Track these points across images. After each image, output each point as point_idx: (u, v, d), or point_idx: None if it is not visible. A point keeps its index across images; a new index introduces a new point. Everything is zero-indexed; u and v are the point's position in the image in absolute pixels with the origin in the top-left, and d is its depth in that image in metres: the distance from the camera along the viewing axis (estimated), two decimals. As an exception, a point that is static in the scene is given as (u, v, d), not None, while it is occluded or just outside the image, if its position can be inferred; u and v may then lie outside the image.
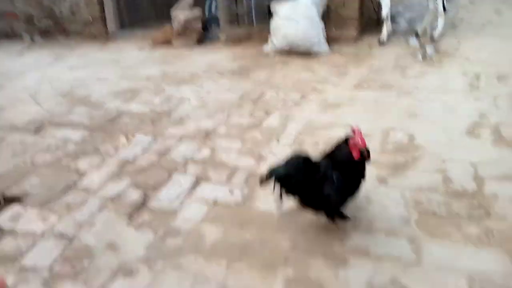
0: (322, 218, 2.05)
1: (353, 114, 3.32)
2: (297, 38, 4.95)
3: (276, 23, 5.12)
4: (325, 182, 1.86)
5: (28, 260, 1.97)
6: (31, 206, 2.38)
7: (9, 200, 2.51)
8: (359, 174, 1.98)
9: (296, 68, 4.58)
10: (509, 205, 2.13)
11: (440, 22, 5.15)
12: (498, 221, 2.02)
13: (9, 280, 1.86)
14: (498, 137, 2.81)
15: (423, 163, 2.57)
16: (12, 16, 7.07)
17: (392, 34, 5.49)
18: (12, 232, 2.19)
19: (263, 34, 5.59)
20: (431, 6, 5.22)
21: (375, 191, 2.33)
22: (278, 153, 2.79)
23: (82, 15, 6.68)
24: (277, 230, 2.07)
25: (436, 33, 5.16)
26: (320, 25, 5.08)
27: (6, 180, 2.67)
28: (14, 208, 2.38)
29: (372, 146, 2.78)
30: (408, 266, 1.79)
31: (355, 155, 1.90)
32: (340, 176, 1.87)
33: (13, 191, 2.55)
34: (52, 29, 6.92)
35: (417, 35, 5.34)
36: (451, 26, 5.70)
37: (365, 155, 1.93)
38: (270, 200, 2.31)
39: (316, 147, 2.83)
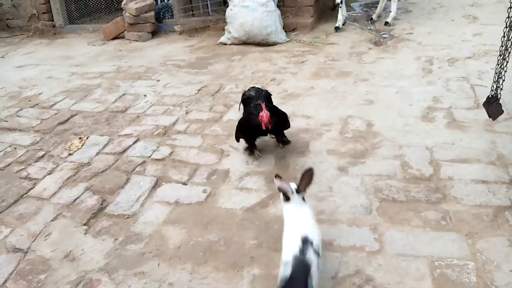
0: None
1: (312, 104, 3.34)
2: (254, 27, 4.90)
3: (231, 11, 5.04)
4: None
5: (-23, 280, 1.84)
6: (-22, 220, 2.23)
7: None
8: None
9: (254, 59, 4.54)
10: (464, 187, 2.21)
11: (394, 7, 5.26)
12: (454, 204, 2.10)
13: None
14: (452, 120, 2.91)
15: (382, 150, 2.62)
16: None
17: (348, 20, 5.55)
18: (-42, 250, 2.04)
19: (220, 24, 5.50)
20: None
21: (336, 181, 2.35)
22: (240, 148, 2.76)
23: (26, 8, 6.30)
24: (241, 228, 2.04)
25: (390, 18, 5.27)
26: (276, 12, 5.04)
27: None
28: None
29: (332, 135, 2.83)
30: (372, 256, 1.82)
31: (263, 125, 2.37)
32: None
33: (-43, 204, 2.37)
34: (-7, 24, 6.48)
35: (371, 20, 5.44)
36: (404, 11, 5.83)
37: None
38: (233, 197, 2.29)
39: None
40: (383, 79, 3.73)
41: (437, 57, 4.10)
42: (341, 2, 5.17)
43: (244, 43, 5.01)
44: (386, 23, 5.25)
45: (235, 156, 2.69)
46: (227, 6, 5.13)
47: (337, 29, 5.22)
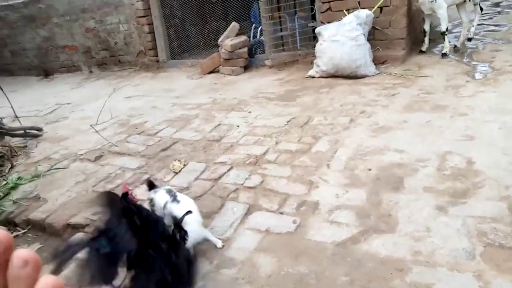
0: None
1: (405, 138, 3.24)
2: (342, 61, 4.94)
3: (321, 45, 5.15)
4: None
5: None
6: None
7: (73, 228, 2.66)
8: None
9: (343, 91, 4.56)
10: None
11: (475, 22, 5.39)
12: None
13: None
14: None
15: (485, 190, 2.44)
16: (72, 49, 7.64)
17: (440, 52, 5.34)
18: (78, 260, 2.31)
19: (308, 58, 5.65)
20: (464, 19, 5.35)
21: (435, 220, 2.24)
22: (329, 180, 2.78)
23: (135, 46, 7.09)
24: (332, 263, 2.03)
25: (471, 33, 5.37)
26: (366, 46, 5.04)
27: (70, 208, 2.84)
28: (78, 236, 2.52)
29: (428, 172, 2.71)
30: (476, 304, 1.69)
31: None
32: None
33: (77, 219, 2.70)
34: (107, 60, 7.39)
35: (455, 48, 5.36)
36: (506, 41, 5.45)
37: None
38: (323, 229, 2.29)
39: (368, 173, 2.79)
40: (484, 113, 3.49)
41: (549, 91, 3.75)
42: (447, 29, 5.11)
43: (333, 76, 5.06)
44: (469, 39, 5.35)
45: (325, 188, 2.70)
46: (317, 41, 5.27)
47: (444, 55, 5.18)
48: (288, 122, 3.88)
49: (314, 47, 5.30)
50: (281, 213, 2.50)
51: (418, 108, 3.82)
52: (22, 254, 0.32)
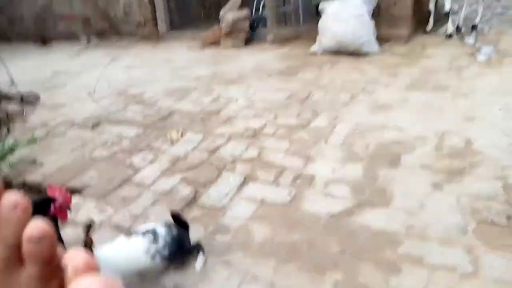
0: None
1: (405, 116, 3.22)
2: (346, 38, 4.87)
3: (324, 22, 5.06)
4: None
5: (88, 250, 2.08)
6: (90, 198, 2.52)
7: (70, 192, 2.66)
8: None
9: (345, 69, 4.51)
10: None
11: (480, 10, 5.12)
12: None
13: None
14: None
15: (482, 170, 2.44)
16: (71, 18, 7.51)
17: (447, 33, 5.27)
18: (73, 222, 2.32)
19: (311, 34, 5.55)
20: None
21: (429, 197, 2.25)
22: (327, 154, 2.77)
23: (135, 16, 6.96)
24: (326, 233, 2.05)
25: (477, 20, 5.08)
26: (370, 24, 4.96)
27: (66, 173, 2.84)
28: (74, 200, 2.52)
29: (426, 150, 2.71)
30: (465, 278, 1.71)
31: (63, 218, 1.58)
32: None
33: (73, 183, 2.70)
34: (107, 30, 7.26)
35: (457, 29, 5.21)
36: (513, 24, 5.37)
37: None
38: (318, 202, 2.30)
39: (366, 150, 2.78)
40: (486, 95, 3.47)
41: (552, 75, 3.71)
42: (451, 10, 5.00)
43: (335, 53, 4.99)
44: (474, 27, 5.05)
45: (322, 162, 2.70)
46: (320, 17, 5.18)
47: (448, 36, 5.08)
48: (288, 97, 3.85)
49: (318, 23, 5.21)
50: (277, 185, 2.50)
51: (420, 87, 3.79)
52: (12, 197, 0.32)
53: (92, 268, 0.31)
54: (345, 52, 4.92)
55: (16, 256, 0.32)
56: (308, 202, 2.31)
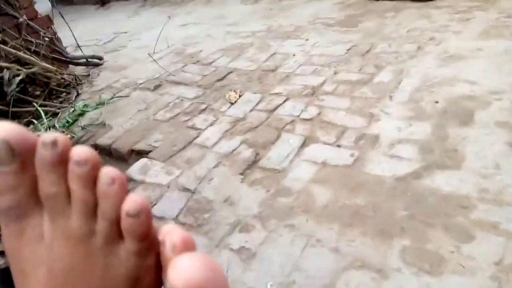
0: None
1: (478, 68, 2.95)
2: (412, -20, 4.46)
3: (388, -36, 4.65)
4: None
5: (158, 210, 2.21)
6: (157, 160, 2.64)
7: (137, 154, 2.81)
8: None
9: (410, 16, 4.17)
10: None
11: None
12: None
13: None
14: None
15: None
16: (126, -24, 7.53)
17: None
18: (143, 183, 2.47)
19: (372, -22, 5.15)
20: None
21: (506, 157, 2.09)
22: (391, 112, 2.64)
23: (188, -30, 6.83)
24: (391, 197, 1.99)
25: None
26: (440, -38, 4.47)
27: (133, 135, 2.98)
28: (142, 161, 2.66)
29: (503, 105, 2.48)
30: (546, 246, 1.60)
31: None
32: None
33: (141, 145, 2.84)
34: (161, -14, 7.23)
35: None
36: None
37: None
38: (382, 163, 2.23)
39: (435, 105, 2.61)
40: None
41: None
42: None
43: (399, -2, 4.62)
44: None
45: (386, 121, 2.58)
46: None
47: None
48: (348, 50, 3.66)
49: (380, -35, 4.79)
50: (338, 145, 2.45)
51: (496, 34, 3.42)
52: (110, 172, 0.32)
53: (190, 245, 0.31)
54: (410, -4, 4.52)
55: (116, 231, 0.32)
56: (372, 163, 2.24)
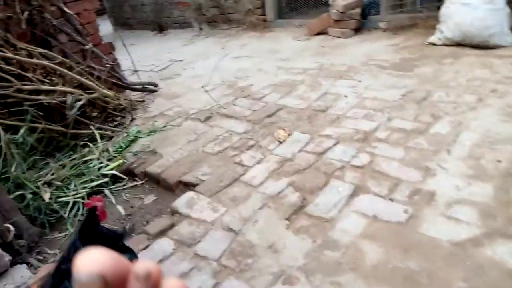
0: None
1: (547, 127, 2.77)
2: (472, 27, 4.33)
3: (448, 9, 4.56)
4: None
5: (201, 249, 2.19)
6: (203, 194, 2.65)
7: (185, 185, 2.84)
8: None
9: (469, 64, 4.03)
10: None
11: None
12: None
13: (184, 265, 2.11)
14: None
15: None
16: (185, 5, 7.90)
17: None
18: (188, 217, 2.47)
19: (429, 22, 5.07)
20: None
21: None
22: (449, 168, 2.52)
23: (244, 4, 7.06)
24: (448, 264, 1.86)
25: None
26: (504, 11, 4.33)
27: (183, 166, 3.02)
28: (189, 195, 2.68)
29: None
30: None
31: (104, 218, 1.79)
32: None
33: (188, 177, 2.86)
34: (217, 17, 7.51)
35: None
36: None
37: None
38: (439, 224, 2.11)
39: (497, 165, 2.46)
40: None
41: None
42: None
43: (458, 44, 4.49)
44: None
45: (443, 177, 2.45)
46: (442, 3, 4.67)
47: None
48: (403, 95, 3.57)
49: (438, 9, 4.71)
50: (391, 199, 2.35)
51: None
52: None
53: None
54: (469, 44, 4.39)
55: None
56: (428, 223, 2.12)
